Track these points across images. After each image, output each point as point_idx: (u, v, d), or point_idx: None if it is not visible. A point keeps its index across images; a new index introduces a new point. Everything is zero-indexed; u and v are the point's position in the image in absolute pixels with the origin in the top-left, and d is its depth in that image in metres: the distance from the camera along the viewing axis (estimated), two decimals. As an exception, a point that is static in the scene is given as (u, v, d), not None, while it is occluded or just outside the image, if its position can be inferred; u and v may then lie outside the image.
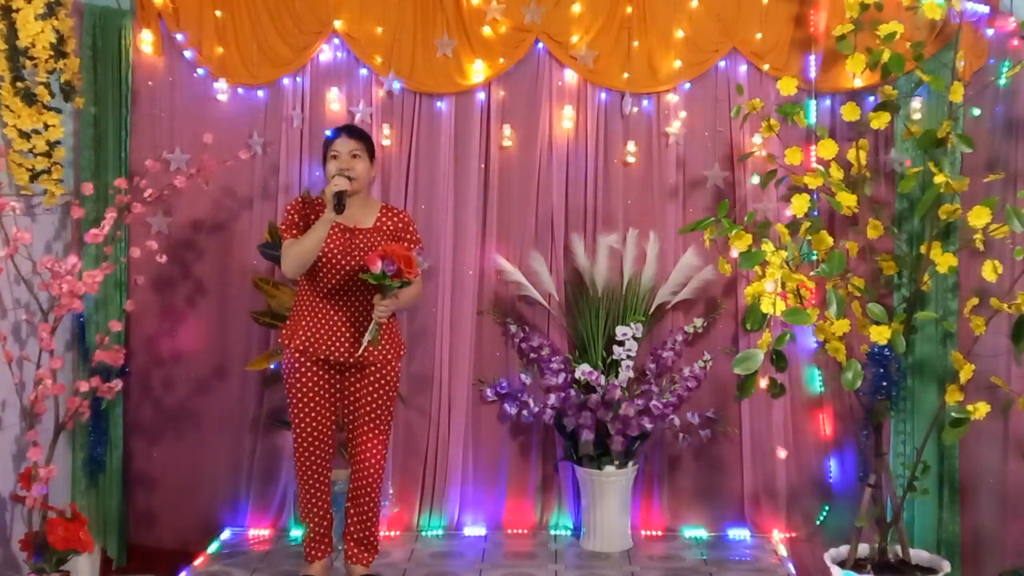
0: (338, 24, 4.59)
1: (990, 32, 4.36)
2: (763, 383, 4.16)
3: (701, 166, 4.67)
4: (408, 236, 3.88)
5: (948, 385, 3.84)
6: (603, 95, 4.66)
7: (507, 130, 4.66)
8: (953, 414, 3.70)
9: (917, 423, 4.38)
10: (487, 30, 4.58)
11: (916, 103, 4.39)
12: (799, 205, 3.82)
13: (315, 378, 3.82)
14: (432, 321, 4.67)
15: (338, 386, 3.88)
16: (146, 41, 4.57)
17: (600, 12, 4.59)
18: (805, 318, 3.54)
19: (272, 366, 4.45)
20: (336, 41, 4.64)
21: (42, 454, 3.93)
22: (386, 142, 4.64)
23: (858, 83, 4.43)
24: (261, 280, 4.51)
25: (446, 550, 4.48)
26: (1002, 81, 4.28)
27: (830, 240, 3.86)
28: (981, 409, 3.65)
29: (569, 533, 4.67)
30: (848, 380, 3.71)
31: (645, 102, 4.67)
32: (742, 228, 3.81)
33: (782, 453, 4.58)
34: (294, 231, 3.78)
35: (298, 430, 3.85)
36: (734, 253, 3.84)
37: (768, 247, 3.72)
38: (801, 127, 4.29)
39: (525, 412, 4.55)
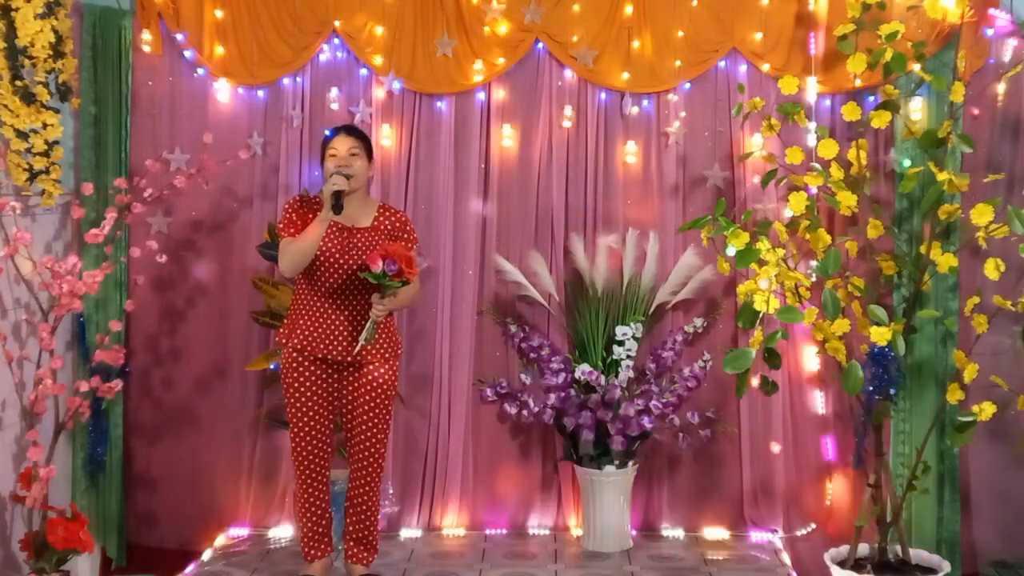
0: (338, 24, 4.59)
1: (990, 32, 4.36)
2: (755, 381, 4.15)
3: (701, 166, 4.67)
4: (406, 235, 3.88)
5: (949, 384, 3.83)
6: (603, 95, 4.67)
7: (507, 130, 4.66)
8: (959, 418, 3.69)
9: (917, 423, 4.38)
10: (487, 30, 4.58)
11: (916, 103, 4.39)
12: (797, 203, 3.82)
13: (312, 377, 3.81)
14: (432, 321, 4.68)
15: (336, 385, 3.88)
16: (146, 41, 4.57)
17: (600, 12, 4.59)
18: (798, 316, 3.55)
19: (272, 366, 4.45)
20: (336, 41, 4.64)
21: (42, 454, 3.93)
22: (386, 142, 4.64)
23: (858, 83, 4.43)
24: (261, 280, 4.51)
25: (446, 550, 4.48)
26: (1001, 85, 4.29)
27: (828, 238, 3.86)
28: (987, 410, 3.63)
29: (569, 533, 4.67)
30: (849, 384, 3.70)
31: (645, 102, 4.67)
32: (739, 227, 3.81)
33: (776, 447, 4.56)
34: (291, 230, 3.78)
35: (296, 429, 3.85)
36: (731, 251, 3.84)
37: (764, 245, 3.73)
38: (801, 127, 4.28)
39: (525, 412, 4.55)
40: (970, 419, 3.65)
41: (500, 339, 4.72)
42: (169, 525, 4.70)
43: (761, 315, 3.67)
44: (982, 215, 3.66)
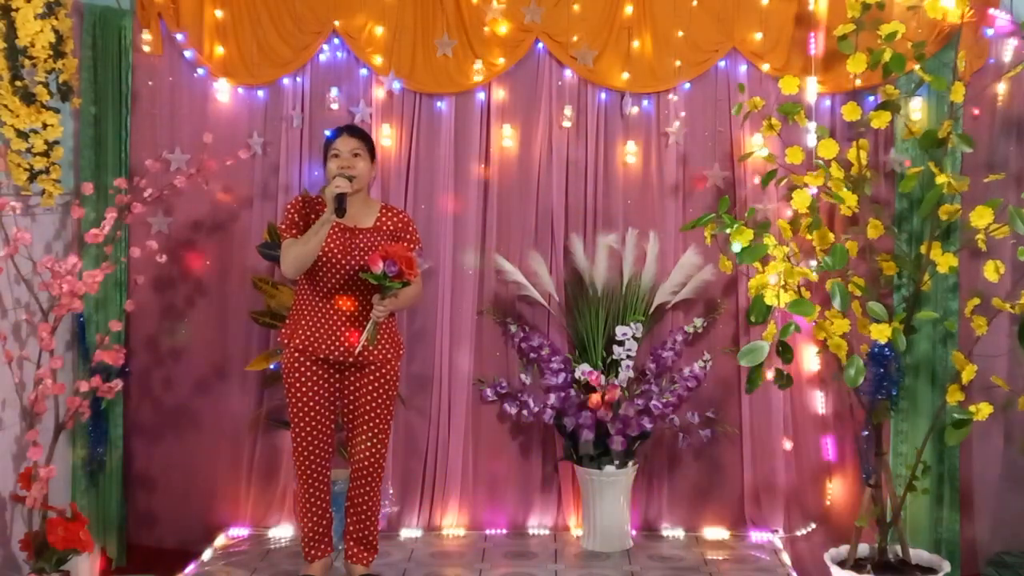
0: (338, 24, 4.59)
1: (990, 32, 4.36)
2: (769, 375, 4.15)
3: (701, 166, 4.67)
4: (408, 236, 3.88)
5: (949, 385, 3.83)
6: (603, 95, 4.67)
7: (507, 130, 4.66)
8: (955, 415, 3.69)
9: (917, 423, 4.38)
10: (487, 30, 4.58)
11: (916, 103, 4.39)
12: (801, 201, 3.82)
13: (314, 377, 3.81)
14: (432, 321, 4.68)
15: (337, 385, 3.88)
16: (146, 41, 4.57)
17: (600, 12, 4.59)
18: (810, 308, 3.55)
19: (272, 366, 4.45)
20: (336, 41, 4.64)
21: (42, 454, 3.93)
22: (386, 142, 4.64)
23: (858, 83, 4.43)
24: (261, 280, 4.51)
25: (446, 550, 4.48)
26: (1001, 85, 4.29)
27: (831, 236, 3.86)
28: (983, 410, 3.64)
29: (569, 533, 4.67)
30: (851, 377, 3.71)
31: (645, 102, 4.67)
32: (743, 223, 3.81)
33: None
34: (294, 231, 3.78)
35: (297, 429, 3.85)
36: (736, 248, 3.84)
37: (770, 240, 3.73)
38: (801, 127, 4.28)
39: (525, 412, 4.55)
40: (966, 416, 3.66)
41: (500, 339, 4.72)
42: (169, 525, 4.70)
43: (772, 310, 3.67)
44: (982, 218, 3.66)
